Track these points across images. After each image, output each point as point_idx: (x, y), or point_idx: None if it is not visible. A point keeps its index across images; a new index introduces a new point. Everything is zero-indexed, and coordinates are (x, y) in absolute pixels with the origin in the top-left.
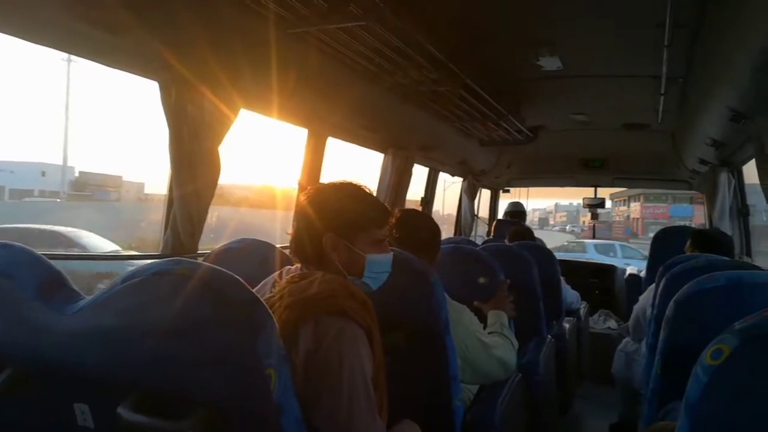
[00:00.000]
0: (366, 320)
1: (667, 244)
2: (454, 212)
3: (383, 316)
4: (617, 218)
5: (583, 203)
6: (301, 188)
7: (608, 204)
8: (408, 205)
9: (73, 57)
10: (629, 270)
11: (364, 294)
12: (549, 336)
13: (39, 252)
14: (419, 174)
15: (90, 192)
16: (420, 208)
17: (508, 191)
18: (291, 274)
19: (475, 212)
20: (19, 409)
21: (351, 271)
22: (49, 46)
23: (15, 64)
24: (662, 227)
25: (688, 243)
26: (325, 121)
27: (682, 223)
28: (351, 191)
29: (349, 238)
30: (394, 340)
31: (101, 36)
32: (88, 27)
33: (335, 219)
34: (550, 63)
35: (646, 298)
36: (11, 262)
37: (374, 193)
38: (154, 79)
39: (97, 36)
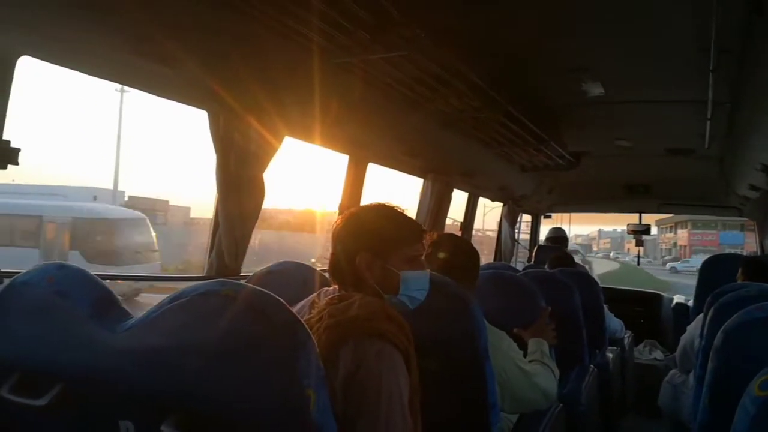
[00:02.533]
0: (404, 343)
1: (716, 272)
2: (493, 235)
3: (421, 340)
4: (663, 245)
5: (628, 229)
6: (341, 212)
7: (654, 230)
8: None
9: (125, 87)
10: (676, 299)
11: (401, 317)
12: (592, 365)
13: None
14: (458, 199)
15: None
16: (459, 233)
17: (549, 217)
18: (329, 296)
19: (516, 238)
20: (66, 423)
21: (386, 290)
22: (106, 79)
23: (69, 93)
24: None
25: (740, 271)
26: (366, 147)
27: (732, 250)
28: (383, 211)
29: (382, 256)
30: (432, 364)
31: (154, 68)
32: (142, 60)
33: (369, 239)
34: (592, 88)
35: (694, 327)
36: (67, 282)
37: (407, 213)
38: (204, 109)
39: (151, 68)
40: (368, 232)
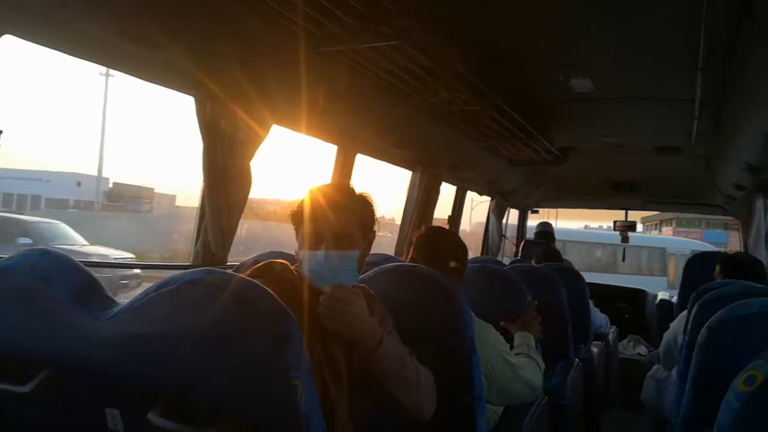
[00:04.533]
0: None
1: (699, 270)
2: (479, 231)
3: (408, 332)
4: None
5: (614, 226)
6: None
7: (639, 227)
8: (435, 224)
9: (111, 71)
10: (660, 295)
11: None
12: (577, 359)
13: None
14: (446, 193)
15: (123, 203)
16: (447, 227)
17: (537, 212)
18: None
19: (503, 232)
20: (51, 411)
21: None
22: (90, 60)
23: (54, 76)
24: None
25: (718, 269)
26: (354, 137)
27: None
28: None
29: None
30: (419, 356)
31: (140, 51)
32: (128, 43)
33: None
34: (581, 84)
35: (677, 324)
36: (49, 267)
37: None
38: (190, 95)
39: (137, 51)
40: None
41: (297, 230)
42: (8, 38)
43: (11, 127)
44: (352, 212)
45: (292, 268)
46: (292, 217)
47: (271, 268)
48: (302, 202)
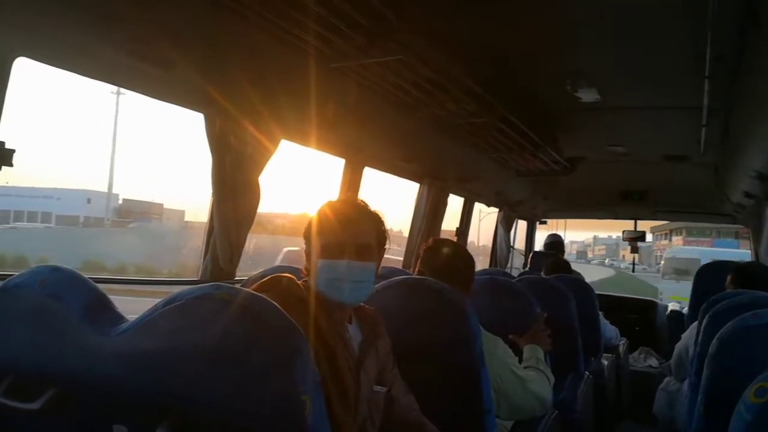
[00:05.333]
0: None
1: (710, 280)
2: (489, 243)
3: (416, 346)
4: (658, 252)
5: (623, 236)
6: None
7: (649, 237)
8: (443, 236)
9: (122, 90)
10: (671, 306)
11: None
12: (587, 372)
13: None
14: (454, 205)
15: (133, 219)
16: (455, 239)
17: (545, 223)
18: None
19: (512, 244)
20: (61, 428)
21: None
22: (102, 81)
23: (65, 95)
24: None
25: (729, 278)
26: (362, 151)
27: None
28: None
29: None
30: (427, 370)
31: (151, 71)
32: (139, 62)
33: None
34: (587, 95)
35: (688, 335)
36: (59, 284)
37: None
38: (200, 112)
39: (147, 71)
40: None
41: (308, 244)
42: (22, 60)
43: (24, 145)
44: (369, 225)
45: (299, 282)
46: (305, 232)
47: (278, 283)
48: (317, 215)
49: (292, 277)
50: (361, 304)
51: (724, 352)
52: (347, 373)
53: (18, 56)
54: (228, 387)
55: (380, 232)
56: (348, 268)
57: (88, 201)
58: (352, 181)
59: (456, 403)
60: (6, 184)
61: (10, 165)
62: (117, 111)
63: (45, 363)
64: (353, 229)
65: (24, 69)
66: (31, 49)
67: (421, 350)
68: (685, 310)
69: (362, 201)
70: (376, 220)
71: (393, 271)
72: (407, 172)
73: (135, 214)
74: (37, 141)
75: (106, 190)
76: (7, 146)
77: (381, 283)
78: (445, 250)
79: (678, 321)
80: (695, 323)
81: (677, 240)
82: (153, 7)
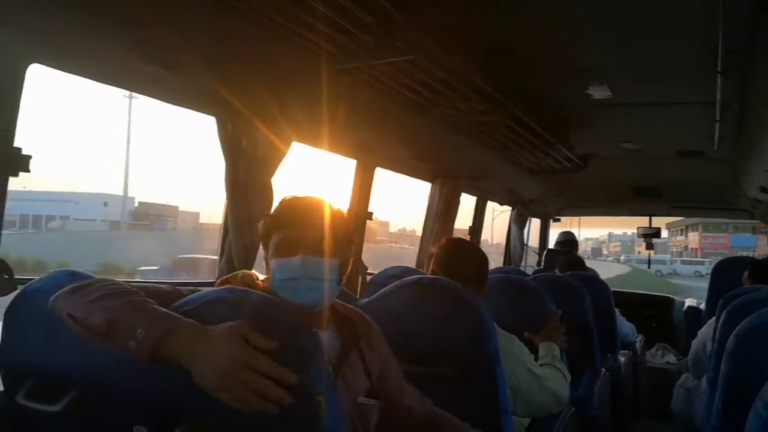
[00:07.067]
0: None
1: (727, 275)
2: (503, 241)
3: (431, 345)
4: (674, 248)
5: (638, 233)
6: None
7: (664, 233)
8: (456, 235)
9: (134, 94)
10: (688, 302)
11: None
12: (603, 369)
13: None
14: (466, 204)
15: (149, 222)
16: (468, 238)
17: (558, 220)
18: None
19: (525, 241)
20: (82, 429)
21: None
22: (114, 85)
23: (79, 100)
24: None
25: (746, 274)
26: (373, 151)
27: (744, 253)
28: None
29: None
30: (443, 370)
31: (163, 74)
32: (151, 66)
33: None
34: (599, 91)
35: (706, 331)
36: None
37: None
38: (212, 115)
39: (159, 75)
40: None
41: (265, 242)
42: (36, 67)
43: (41, 151)
44: (327, 220)
45: (260, 279)
46: (261, 227)
47: (234, 278)
48: (271, 213)
49: (252, 273)
50: (338, 306)
51: (741, 348)
52: None
53: (31, 63)
54: None
55: (341, 227)
56: (302, 264)
57: (105, 204)
58: (363, 182)
59: (472, 402)
60: (23, 189)
61: (27, 171)
62: (130, 115)
63: (65, 366)
64: (308, 222)
65: (38, 76)
66: (44, 56)
67: (436, 350)
68: (702, 306)
69: (322, 199)
70: (336, 216)
71: (406, 271)
72: (419, 172)
73: (151, 217)
74: (53, 146)
75: (121, 193)
76: (23, 152)
77: (395, 283)
78: (459, 249)
79: (695, 317)
80: (712, 319)
81: (693, 236)
82: (164, 12)
